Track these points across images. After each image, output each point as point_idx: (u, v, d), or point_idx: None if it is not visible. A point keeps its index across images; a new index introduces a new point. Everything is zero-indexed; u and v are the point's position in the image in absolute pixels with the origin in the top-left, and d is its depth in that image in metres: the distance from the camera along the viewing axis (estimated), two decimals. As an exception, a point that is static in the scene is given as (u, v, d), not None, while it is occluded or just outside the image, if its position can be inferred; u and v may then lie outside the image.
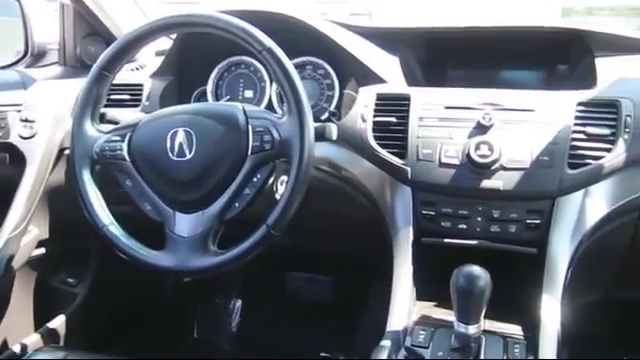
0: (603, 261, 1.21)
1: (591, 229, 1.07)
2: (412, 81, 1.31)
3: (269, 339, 1.90)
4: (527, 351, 0.97)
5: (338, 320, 1.83)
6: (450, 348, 0.96)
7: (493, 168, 1.07)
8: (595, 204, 1.08)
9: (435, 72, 1.41)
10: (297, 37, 1.31)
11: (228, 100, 1.44)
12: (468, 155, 1.08)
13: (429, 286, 1.09)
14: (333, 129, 1.05)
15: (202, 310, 1.98)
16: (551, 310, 1.00)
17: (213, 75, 1.45)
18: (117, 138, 1.08)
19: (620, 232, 1.14)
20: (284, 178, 1.08)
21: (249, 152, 1.01)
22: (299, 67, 1.38)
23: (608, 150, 1.08)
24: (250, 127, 1.02)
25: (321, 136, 1.04)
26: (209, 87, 1.45)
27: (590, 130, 1.09)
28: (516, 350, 0.97)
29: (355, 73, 1.31)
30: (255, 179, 1.02)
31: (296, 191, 0.97)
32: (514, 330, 1.02)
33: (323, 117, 1.36)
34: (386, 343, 0.96)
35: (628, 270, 1.24)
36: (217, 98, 1.46)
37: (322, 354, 1.83)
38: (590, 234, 1.08)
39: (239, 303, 1.99)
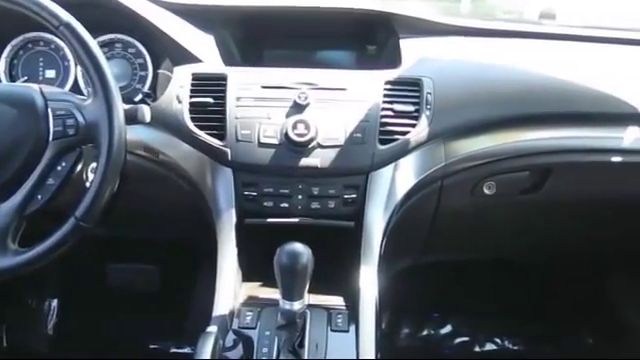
0: (413, 229, 1.30)
1: (401, 200, 1.15)
2: (229, 60, 1.28)
3: (92, 338, 1.78)
4: (349, 320, 1.01)
5: (167, 309, 1.77)
6: (276, 326, 0.97)
7: (310, 146, 1.10)
8: (403, 177, 1.16)
9: (252, 51, 1.40)
10: (105, 13, 1.21)
11: (26, 81, 1.29)
12: (286, 134, 1.09)
13: (255, 267, 1.09)
14: (146, 111, 1.00)
15: (12, 315, 1.79)
16: (369, 279, 1.05)
17: (5, 53, 1.30)
18: None
19: (426, 201, 1.23)
20: (94, 165, 1.00)
21: (50, 138, 0.92)
22: (107, 45, 1.28)
23: (413, 126, 1.16)
24: (50, 110, 0.93)
25: (133, 119, 0.98)
26: (1, 67, 1.29)
27: (397, 107, 1.16)
28: (339, 320, 1.01)
29: (169, 52, 1.26)
30: (59, 168, 0.93)
31: (107, 179, 0.91)
32: (337, 302, 1.06)
33: (137, 99, 1.28)
34: (212, 329, 0.94)
35: (434, 236, 1.35)
36: (13, 79, 1.30)
37: (151, 346, 1.77)
38: (400, 205, 1.15)
39: (55, 303, 1.83)
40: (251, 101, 1.15)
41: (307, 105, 1.13)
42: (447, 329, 1.85)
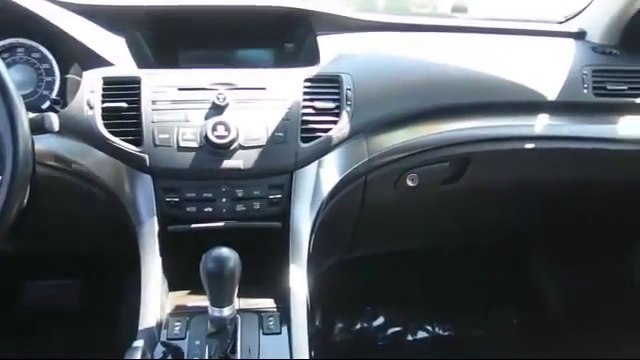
0: (340, 225, 1.30)
1: (327, 197, 1.15)
2: (143, 63, 1.24)
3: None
4: (281, 322, 1.00)
5: (92, 324, 1.70)
6: (206, 334, 0.95)
7: (232, 148, 1.08)
8: (328, 174, 1.15)
9: (167, 53, 1.36)
10: (2, 16, 1.14)
11: None
12: (206, 137, 1.06)
13: (182, 274, 1.06)
14: (54, 119, 0.94)
15: None
16: (299, 279, 1.05)
17: None
18: None
19: (351, 197, 1.24)
20: (-1, 179, 0.94)
21: None
22: (7, 50, 1.20)
23: (334, 122, 1.16)
24: None
25: (39, 128, 0.93)
26: None
27: (317, 104, 1.16)
28: (271, 323, 1.00)
29: (76, 56, 1.19)
30: None
31: (13, 194, 0.85)
32: (268, 304, 1.05)
33: (44, 106, 1.21)
34: (139, 343, 0.91)
35: (361, 231, 1.36)
36: None
37: (77, 363, 1.69)
38: (326, 202, 1.15)
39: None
40: (167, 104, 1.11)
41: (226, 106, 1.11)
42: (379, 321, 1.87)
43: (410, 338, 1.85)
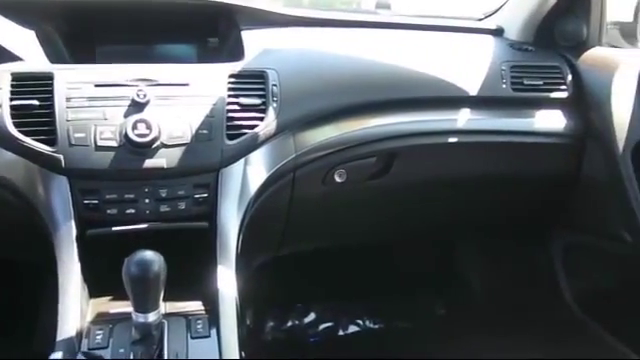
0: (268, 223, 1.29)
1: (254, 195, 1.13)
2: (56, 58, 1.18)
3: None
4: (210, 324, 0.97)
5: (8, 335, 1.60)
6: (131, 342, 0.91)
7: (154, 146, 1.03)
8: (255, 171, 1.14)
9: (82, 48, 1.29)
10: None
11: None
12: (126, 135, 1.02)
13: (103, 280, 1.01)
14: None
15: None
16: (227, 279, 1.02)
17: None
18: None
19: (279, 194, 1.23)
20: None
21: None
22: None
23: (260, 119, 1.14)
24: None
25: None
26: None
27: (243, 101, 1.14)
28: (199, 326, 0.97)
29: None
30: None
31: None
32: (196, 307, 1.02)
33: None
34: (57, 355, 0.86)
35: (290, 228, 1.35)
36: None
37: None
38: (254, 200, 1.13)
39: None
40: (84, 101, 1.06)
41: (147, 103, 1.06)
42: (311, 317, 1.87)
43: (342, 333, 1.86)
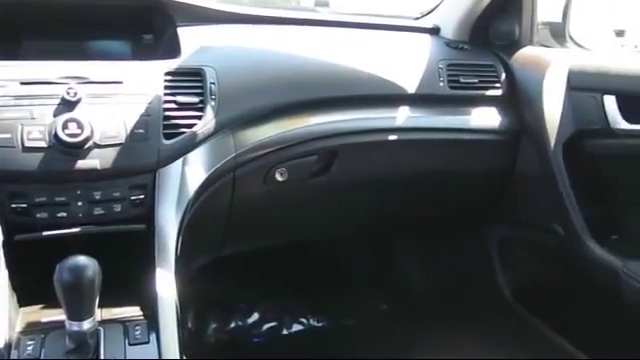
0: (209, 224, 1.26)
1: (194, 196, 1.10)
2: None
3: None
4: (149, 330, 0.94)
5: None
6: (65, 351, 0.87)
7: (86, 147, 0.99)
8: (194, 171, 1.11)
9: (7, 44, 1.23)
10: None
11: None
12: (56, 135, 0.97)
13: (34, 288, 0.96)
14: None
15: None
16: (166, 283, 0.99)
17: None
18: None
19: (220, 194, 1.20)
20: None
21: None
22: None
23: (199, 117, 1.12)
24: None
25: None
26: None
27: (180, 99, 1.11)
28: (137, 332, 0.94)
29: None
30: None
31: None
32: (133, 313, 0.98)
33: None
34: (-16, 369, 0.81)
35: (231, 228, 1.33)
36: None
37: None
38: (193, 201, 1.10)
39: None
40: (9, 100, 1.00)
41: (78, 101, 1.02)
42: (254, 318, 1.85)
43: (285, 332, 1.86)
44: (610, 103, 1.26)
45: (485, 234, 1.66)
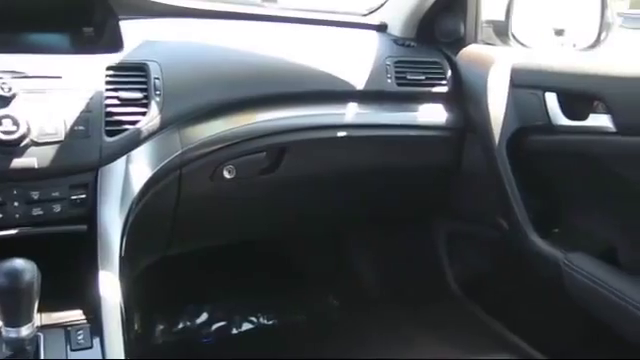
0: (155, 223, 1.23)
1: (138, 195, 1.07)
2: None
3: None
4: (92, 334, 0.91)
5: None
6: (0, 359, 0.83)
7: (23, 144, 0.95)
8: (138, 169, 1.08)
9: None
10: None
11: None
12: None
13: None
14: None
15: None
16: (110, 285, 0.96)
17: None
18: None
19: (165, 193, 1.18)
20: None
21: None
22: None
23: (143, 114, 1.08)
24: None
25: None
26: None
27: (123, 95, 1.07)
28: (80, 337, 0.90)
29: None
30: None
31: None
32: (76, 316, 0.94)
33: None
34: None
35: (178, 227, 1.30)
36: None
37: None
38: (138, 200, 1.07)
39: None
40: None
41: (13, 97, 0.97)
42: (203, 318, 1.82)
43: (235, 331, 1.84)
44: (551, 100, 1.29)
45: (433, 230, 1.69)
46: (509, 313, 1.52)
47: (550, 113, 1.29)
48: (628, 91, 1.15)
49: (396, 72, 1.42)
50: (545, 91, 1.30)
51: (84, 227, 1.00)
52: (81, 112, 1.01)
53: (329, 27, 1.52)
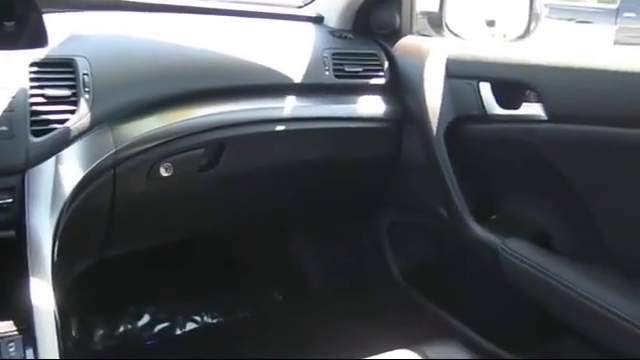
0: (89, 225, 1.19)
1: (70, 197, 1.03)
2: None
3: None
4: (25, 345, 0.87)
5: None
6: None
7: None
8: (69, 170, 1.03)
9: None
10: None
11: None
12: None
13: None
14: None
15: None
16: (42, 292, 0.92)
17: None
18: None
19: (99, 193, 1.13)
20: None
21: None
22: None
23: (72, 112, 1.04)
24: None
25: None
26: None
27: (49, 92, 1.02)
28: (11, 349, 0.86)
29: None
30: None
31: None
32: (6, 328, 0.90)
33: None
34: None
35: (115, 228, 1.26)
36: None
37: None
38: (70, 202, 1.03)
39: None
40: None
41: None
42: (145, 320, 1.78)
43: (179, 332, 1.80)
44: (485, 90, 1.32)
45: (375, 220, 1.70)
46: (452, 299, 1.55)
47: (485, 103, 1.32)
48: (557, 81, 1.19)
49: (334, 64, 1.41)
50: (479, 81, 1.33)
51: (12, 233, 0.96)
52: (3, 111, 0.96)
53: (265, 19, 1.50)
